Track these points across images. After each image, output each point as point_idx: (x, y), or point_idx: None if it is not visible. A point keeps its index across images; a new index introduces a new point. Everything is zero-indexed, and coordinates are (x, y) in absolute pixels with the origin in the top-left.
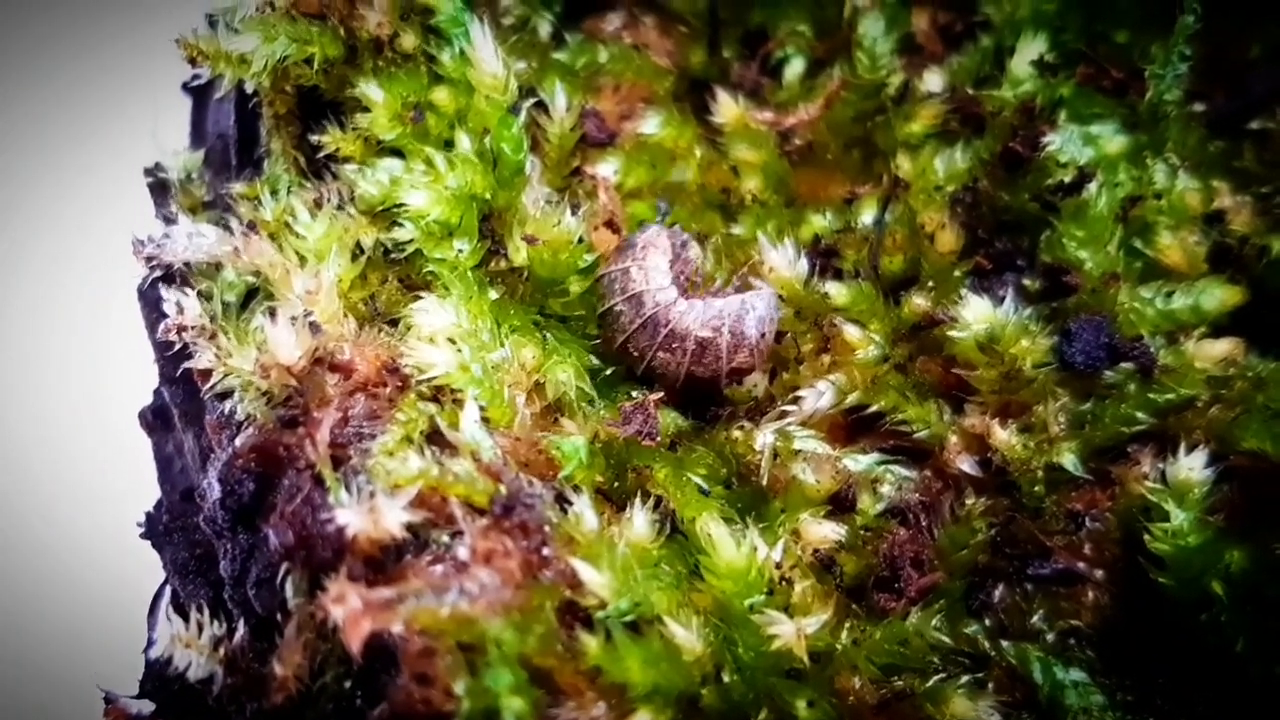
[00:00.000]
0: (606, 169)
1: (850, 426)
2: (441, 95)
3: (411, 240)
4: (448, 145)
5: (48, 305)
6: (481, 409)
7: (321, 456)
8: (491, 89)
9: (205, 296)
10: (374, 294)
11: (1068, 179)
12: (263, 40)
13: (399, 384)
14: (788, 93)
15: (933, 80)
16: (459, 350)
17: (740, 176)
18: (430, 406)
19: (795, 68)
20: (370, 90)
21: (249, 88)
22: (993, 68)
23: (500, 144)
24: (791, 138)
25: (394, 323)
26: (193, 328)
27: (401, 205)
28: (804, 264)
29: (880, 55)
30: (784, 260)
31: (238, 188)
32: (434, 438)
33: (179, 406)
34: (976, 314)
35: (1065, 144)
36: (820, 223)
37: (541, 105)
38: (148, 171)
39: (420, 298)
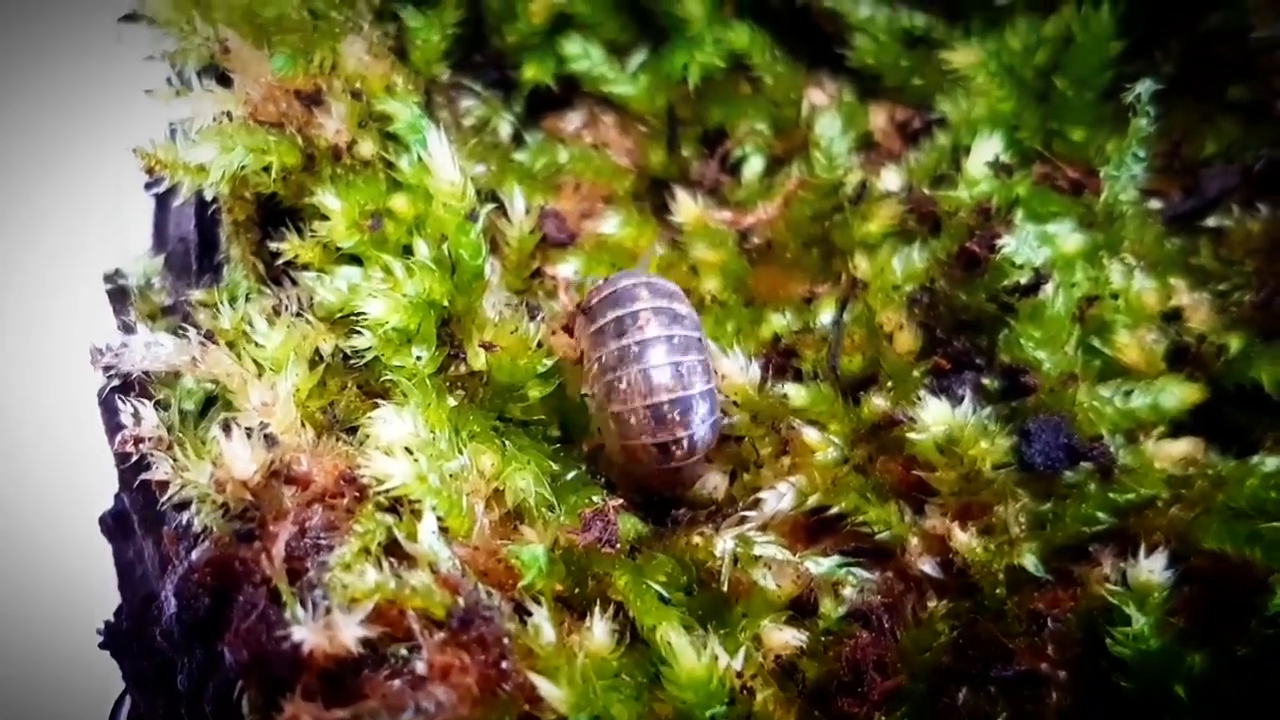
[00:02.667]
0: (567, 269)
1: (811, 528)
2: (400, 202)
3: (370, 348)
4: (406, 251)
5: (48, 305)
6: (439, 519)
7: (277, 572)
8: (449, 196)
9: (163, 405)
10: (332, 401)
11: (1024, 280)
12: (220, 150)
13: (357, 494)
14: (746, 191)
15: (890, 179)
16: (416, 460)
17: (700, 276)
18: (388, 517)
19: (754, 166)
20: (328, 200)
21: (208, 194)
22: (950, 166)
23: (459, 250)
24: (751, 236)
25: (352, 430)
26: (150, 439)
27: (360, 313)
28: (755, 370)
29: (837, 155)
30: (736, 367)
31: (197, 295)
32: (392, 549)
33: (139, 513)
34: (935, 416)
35: (1021, 246)
36: (780, 322)
37: (502, 208)
38: (107, 278)
39: (379, 405)
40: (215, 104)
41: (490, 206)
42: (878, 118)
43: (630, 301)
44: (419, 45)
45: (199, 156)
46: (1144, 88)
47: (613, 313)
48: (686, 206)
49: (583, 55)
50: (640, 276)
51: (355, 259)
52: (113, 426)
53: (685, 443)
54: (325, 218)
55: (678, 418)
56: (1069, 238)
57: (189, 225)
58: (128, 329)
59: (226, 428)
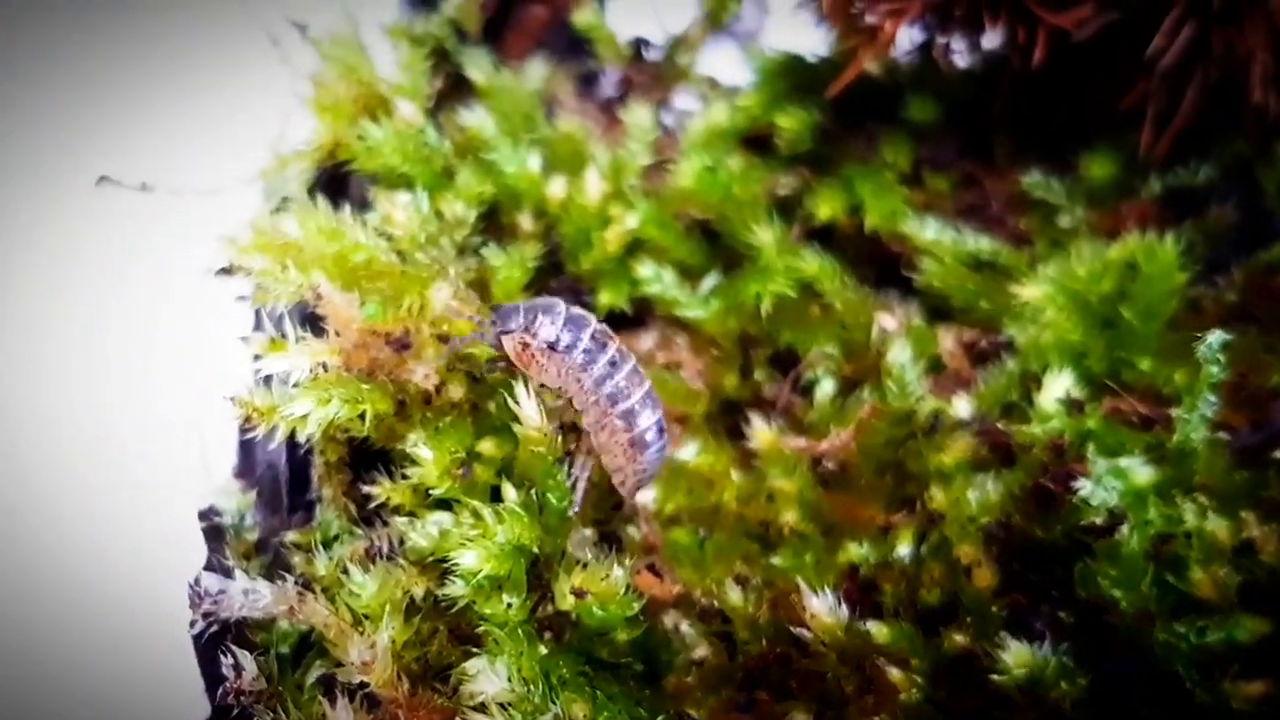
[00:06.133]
0: (645, 497)
1: None
2: (488, 445)
3: (462, 595)
4: (494, 491)
5: (46, 305)
6: None
7: None
8: (537, 442)
9: (260, 648)
10: (423, 641)
11: (1100, 521)
12: (317, 403)
13: None
14: (819, 414)
15: (961, 406)
16: (511, 717)
17: (777, 505)
18: None
19: (826, 389)
20: (421, 450)
21: (301, 437)
22: (1019, 393)
23: (546, 494)
24: (824, 461)
25: (444, 676)
26: (250, 691)
27: (451, 559)
28: (844, 610)
29: (909, 383)
30: (825, 607)
31: (291, 536)
32: None
33: None
34: (1017, 659)
35: (1095, 489)
36: (857, 551)
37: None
38: (202, 515)
39: (471, 652)
40: (312, 355)
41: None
42: (946, 339)
43: (585, 322)
44: (500, 280)
45: (298, 410)
46: (1215, 338)
47: (584, 335)
48: (762, 433)
49: (655, 279)
50: (545, 301)
51: (445, 502)
52: (212, 677)
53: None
54: (417, 463)
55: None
56: (1140, 471)
57: (278, 458)
58: (226, 572)
59: (329, 691)
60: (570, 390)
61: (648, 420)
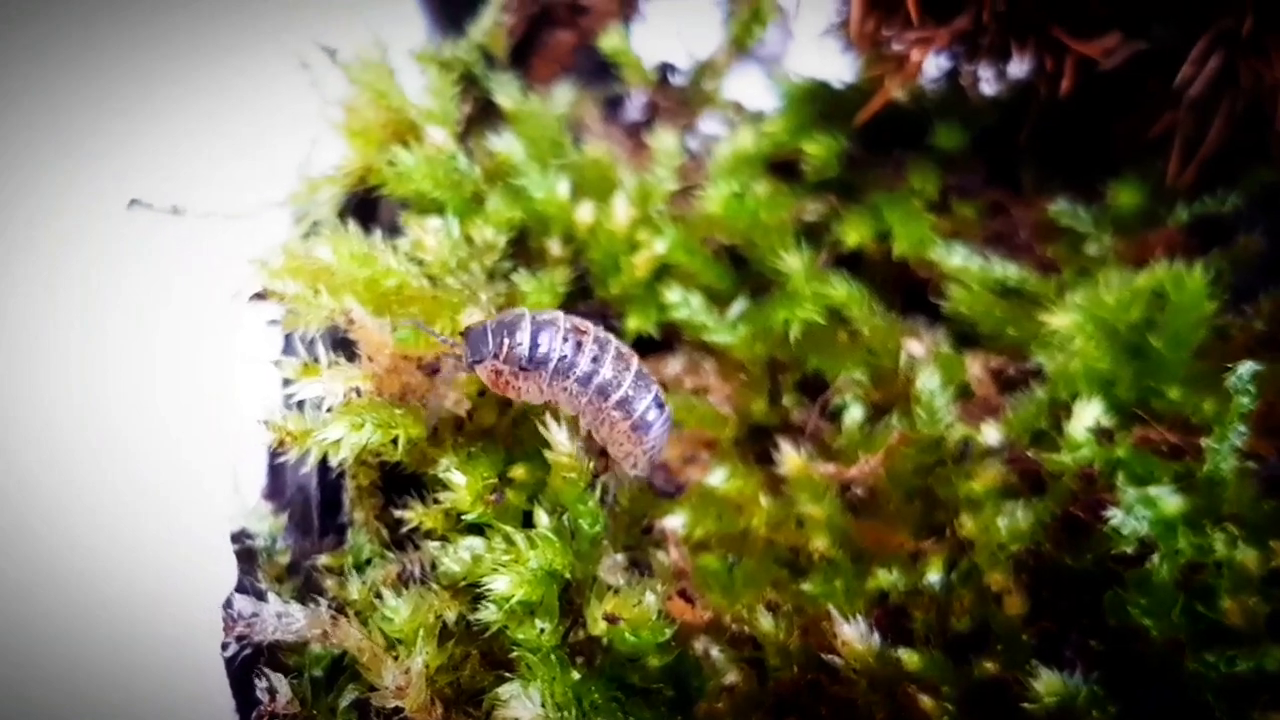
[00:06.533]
0: (674, 522)
1: None
2: (519, 471)
3: (495, 621)
4: (525, 515)
5: (48, 305)
6: None
7: None
8: (568, 469)
9: (293, 671)
10: (455, 665)
11: (1130, 550)
12: (350, 428)
13: None
14: (847, 439)
15: (990, 434)
16: None
17: (807, 531)
18: None
19: (854, 414)
20: (454, 476)
21: (333, 461)
22: (1048, 421)
23: (578, 520)
24: (853, 487)
25: (477, 700)
26: (285, 715)
27: (484, 584)
28: (876, 637)
29: (939, 410)
30: (857, 634)
31: (323, 560)
32: None
33: None
34: (1049, 688)
35: (1127, 518)
36: (886, 578)
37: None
38: (234, 538)
39: (504, 677)
40: (345, 380)
41: (605, 474)
42: (974, 366)
43: (553, 325)
44: (530, 305)
45: (332, 434)
46: (1244, 369)
47: (556, 342)
48: (791, 459)
49: (683, 304)
50: (510, 316)
51: (476, 527)
52: (244, 699)
53: None
54: (449, 488)
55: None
56: (1170, 500)
57: (309, 481)
58: (258, 595)
59: (363, 715)
60: (559, 399)
61: (643, 402)
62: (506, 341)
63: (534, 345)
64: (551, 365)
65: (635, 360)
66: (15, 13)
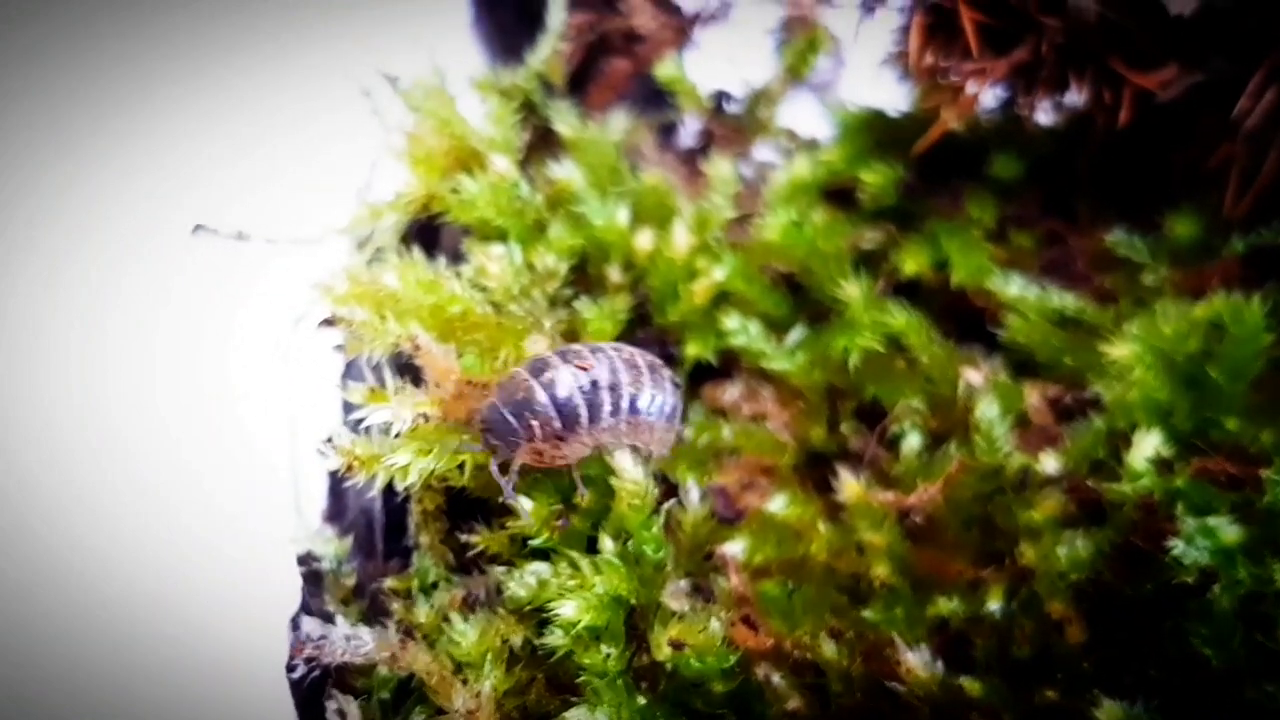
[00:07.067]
0: (734, 548)
1: None
2: (584, 497)
3: (562, 645)
4: (590, 540)
5: (48, 305)
6: None
7: None
8: (633, 495)
9: (362, 693)
10: (521, 689)
11: (1190, 580)
12: (418, 454)
13: None
14: (906, 467)
15: (1049, 463)
16: None
17: (868, 558)
18: None
19: (912, 442)
20: (523, 501)
21: (399, 485)
22: (1107, 451)
23: (642, 546)
24: (912, 514)
25: None
26: None
27: (550, 609)
28: (940, 665)
29: (998, 439)
30: (921, 661)
31: (389, 583)
32: None
33: None
34: (1110, 715)
35: (1188, 549)
36: (947, 605)
37: (675, 496)
38: (301, 560)
39: (570, 701)
40: (414, 406)
41: (671, 503)
42: (1031, 395)
43: (560, 370)
44: (591, 333)
45: (400, 460)
46: None
47: (575, 389)
48: (849, 486)
49: (742, 331)
50: (511, 383)
51: (541, 551)
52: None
53: None
54: (515, 514)
55: None
56: (1229, 530)
57: (372, 504)
58: (325, 617)
59: None
60: (604, 441)
61: (645, 401)
62: (527, 417)
63: (557, 407)
64: (581, 418)
65: (636, 357)
66: (15, 13)
